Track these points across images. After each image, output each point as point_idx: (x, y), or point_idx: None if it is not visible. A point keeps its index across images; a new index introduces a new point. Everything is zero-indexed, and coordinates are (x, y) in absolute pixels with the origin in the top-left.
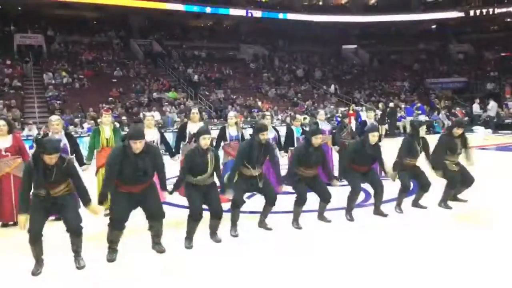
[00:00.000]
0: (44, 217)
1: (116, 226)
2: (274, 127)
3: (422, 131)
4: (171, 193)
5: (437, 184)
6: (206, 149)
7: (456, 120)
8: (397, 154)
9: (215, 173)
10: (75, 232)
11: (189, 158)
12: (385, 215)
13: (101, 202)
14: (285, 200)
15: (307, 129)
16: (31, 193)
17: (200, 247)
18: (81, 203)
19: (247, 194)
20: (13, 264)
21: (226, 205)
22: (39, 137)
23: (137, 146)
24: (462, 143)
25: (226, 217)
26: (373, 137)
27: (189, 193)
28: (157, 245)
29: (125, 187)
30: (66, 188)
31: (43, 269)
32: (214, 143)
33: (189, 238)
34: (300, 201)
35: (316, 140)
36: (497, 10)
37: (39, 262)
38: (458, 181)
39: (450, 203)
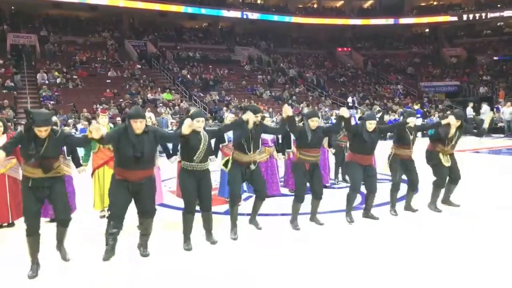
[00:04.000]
0: (38, 207)
1: (116, 214)
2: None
3: (411, 121)
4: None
5: (428, 183)
6: (198, 131)
7: (455, 112)
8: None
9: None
10: (64, 222)
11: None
12: (376, 218)
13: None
14: (284, 203)
15: None
16: (21, 175)
17: (196, 250)
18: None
19: (244, 196)
20: (7, 266)
21: (223, 207)
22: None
23: (138, 125)
24: (459, 135)
25: (219, 219)
26: (369, 125)
27: (183, 184)
28: (142, 246)
29: (123, 172)
30: (55, 170)
31: (39, 273)
32: (213, 145)
33: (187, 239)
34: (298, 199)
35: (313, 123)
36: (490, 15)
37: (34, 262)
38: (446, 179)
39: (441, 206)
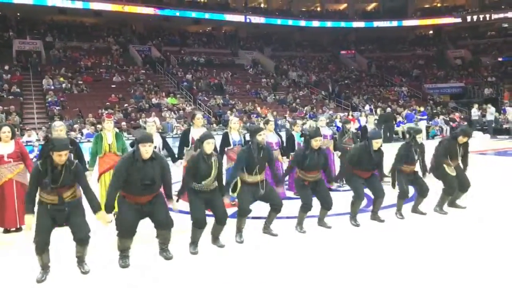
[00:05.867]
0: (51, 226)
1: (125, 235)
2: (277, 132)
3: (419, 138)
4: (177, 201)
5: (436, 189)
6: (209, 154)
7: (463, 129)
8: (394, 161)
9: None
10: (82, 241)
11: (193, 164)
12: (382, 221)
13: (108, 212)
14: (289, 206)
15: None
16: (37, 199)
17: (205, 253)
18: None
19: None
20: (15, 270)
21: (230, 210)
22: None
23: (146, 149)
24: (463, 149)
25: (230, 222)
26: (376, 144)
27: (191, 199)
28: (164, 251)
29: (131, 198)
30: (73, 194)
31: (48, 277)
32: (218, 149)
33: (194, 243)
34: (305, 208)
35: (316, 143)
36: (494, 16)
37: (45, 269)
38: (456, 187)
39: (447, 208)
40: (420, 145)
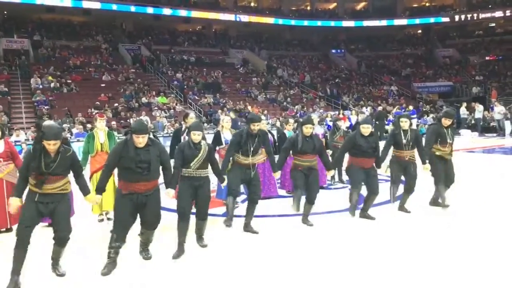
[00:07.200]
0: (36, 220)
1: (119, 235)
2: (269, 131)
3: (403, 123)
4: (174, 188)
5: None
6: (197, 142)
7: (445, 111)
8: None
9: (211, 168)
10: (61, 241)
11: (179, 148)
12: (373, 218)
13: (98, 193)
14: (283, 205)
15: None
16: (27, 187)
17: (194, 251)
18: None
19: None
20: (5, 271)
21: (221, 210)
22: (41, 121)
23: (140, 140)
24: (451, 133)
25: (217, 221)
26: (363, 129)
27: (179, 189)
28: (144, 251)
29: (128, 185)
30: (62, 186)
31: (40, 279)
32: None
33: (179, 244)
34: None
35: (306, 130)
36: (481, 15)
37: (17, 273)
38: (441, 178)
39: (446, 203)
40: (412, 131)
